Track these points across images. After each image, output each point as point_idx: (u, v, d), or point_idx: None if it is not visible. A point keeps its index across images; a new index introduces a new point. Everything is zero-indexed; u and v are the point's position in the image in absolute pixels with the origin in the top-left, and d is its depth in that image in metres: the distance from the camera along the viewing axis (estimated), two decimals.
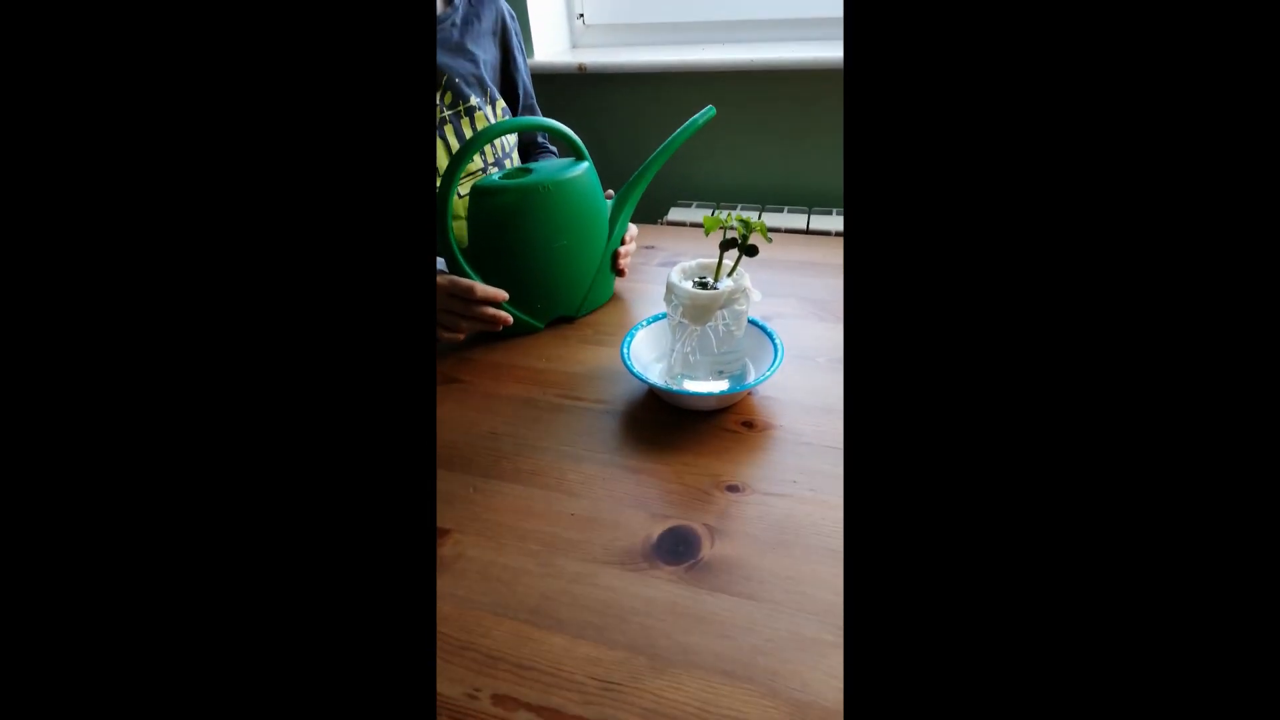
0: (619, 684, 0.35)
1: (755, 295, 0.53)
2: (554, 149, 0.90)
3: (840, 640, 0.36)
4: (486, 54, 0.80)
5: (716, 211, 1.14)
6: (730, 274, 0.54)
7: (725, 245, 0.53)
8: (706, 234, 0.53)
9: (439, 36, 0.75)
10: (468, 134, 0.76)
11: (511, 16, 0.84)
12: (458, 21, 0.77)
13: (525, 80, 0.86)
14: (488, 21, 0.80)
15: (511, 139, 0.82)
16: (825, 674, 0.35)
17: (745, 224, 0.52)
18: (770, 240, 0.53)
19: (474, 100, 0.76)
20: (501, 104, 0.81)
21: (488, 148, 0.77)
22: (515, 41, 0.84)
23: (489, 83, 0.79)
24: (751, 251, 0.52)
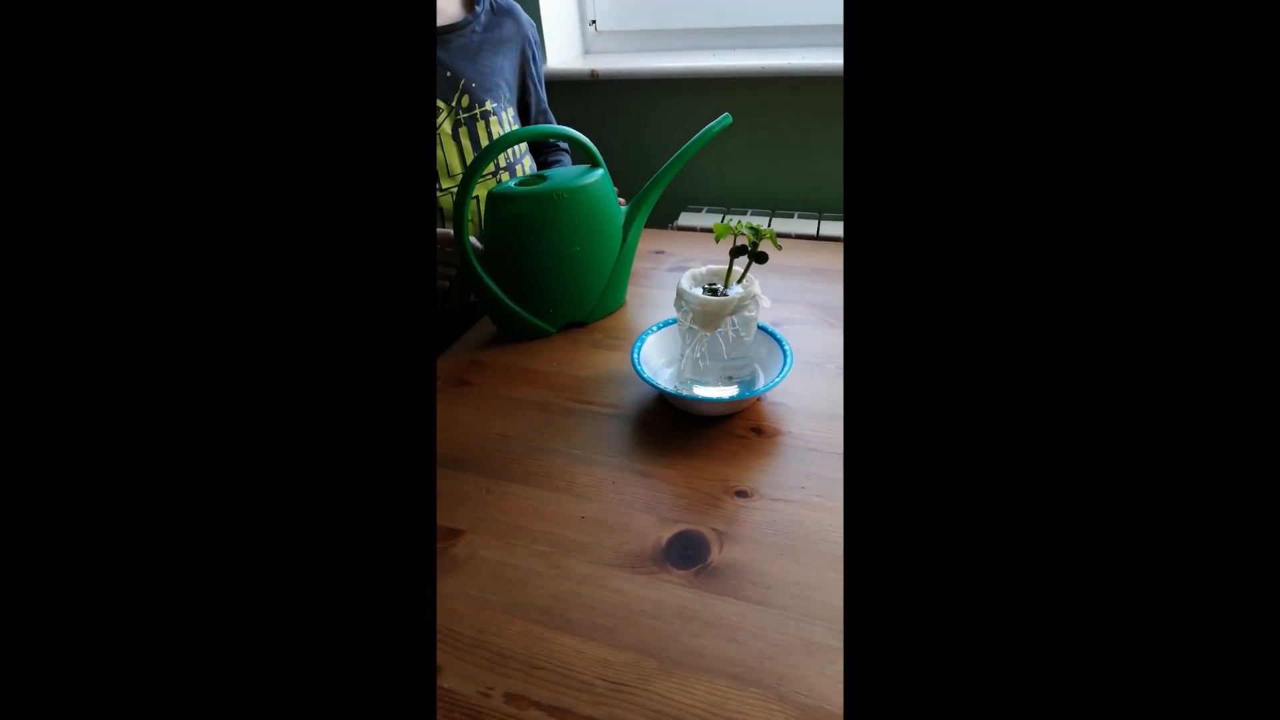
0: (628, 685, 0.36)
1: (765, 302, 0.54)
2: (565, 147, 0.92)
3: None
4: (505, 62, 0.82)
5: (727, 217, 1.14)
6: (740, 280, 0.54)
7: (735, 252, 0.54)
8: (717, 240, 0.53)
9: (460, 43, 0.77)
10: (482, 137, 0.78)
11: (531, 26, 0.87)
12: (479, 30, 0.79)
13: (539, 90, 0.89)
14: (508, 31, 0.83)
15: (523, 146, 0.84)
16: (831, 678, 0.35)
17: (755, 231, 0.52)
18: (780, 248, 0.54)
19: (489, 105, 0.78)
20: (512, 110, 0.83)
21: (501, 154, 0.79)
22: (532, 52, 0.87)
23: (505, 90, 0.81)
24: (761, 259, 0.53)
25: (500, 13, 0.83)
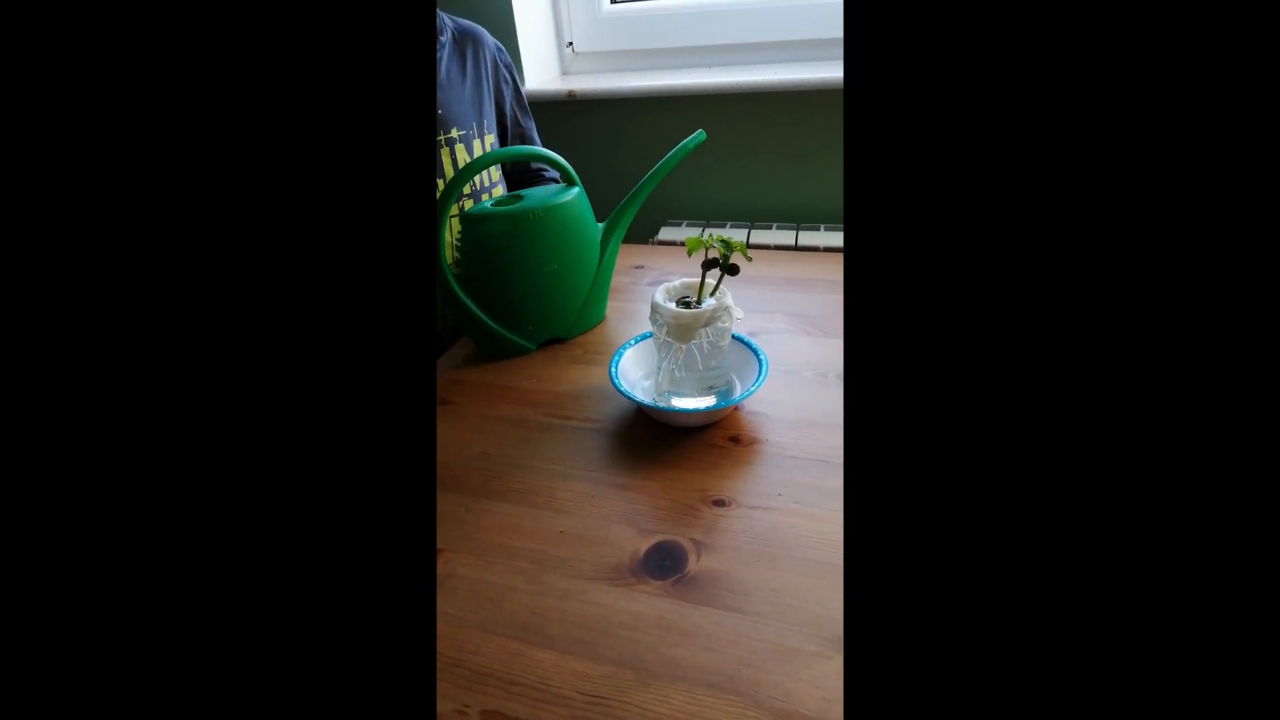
0: (606, 698, 0.36)
1: (738, 313, 0.54)
2: (555, 174, 0.92)
3: (823, 650, 0.37)
4: (471, 88, 0.81)
5: (707, 230, 1.15)
6: (713, 293, 0.55)
7: (707, 265, 0.55)
8: (689, 254, 0.54)
9: None
10: (446, 164, 0.78)
11: (499, 48, 0.86)
12: (443, 57, 0.80)
13: (515, 112, 0.88)
14: (473, 57, 0.82)
15: (496, 174, 0.83)
16: (807, 684, 0.35)
17: (726, 244, 0.53)
18: (750, 259, 0.55)
19: (455, 133, 0.78)
20: (491, 138, 0.83)
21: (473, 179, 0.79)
22: (505, 74, 0.86)
23: (471, 117, 0.80)
24: (733, 271, 0.54)
25: (463, 40, 0.82)
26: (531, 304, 0.67)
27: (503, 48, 0.87)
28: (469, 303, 0.66)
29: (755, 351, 0.58)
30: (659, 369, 0.56)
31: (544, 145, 0.90)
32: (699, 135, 0.69)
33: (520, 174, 0.92)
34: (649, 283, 0.83)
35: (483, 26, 0.86)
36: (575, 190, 0.68)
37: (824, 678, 0.36)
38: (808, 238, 1.08)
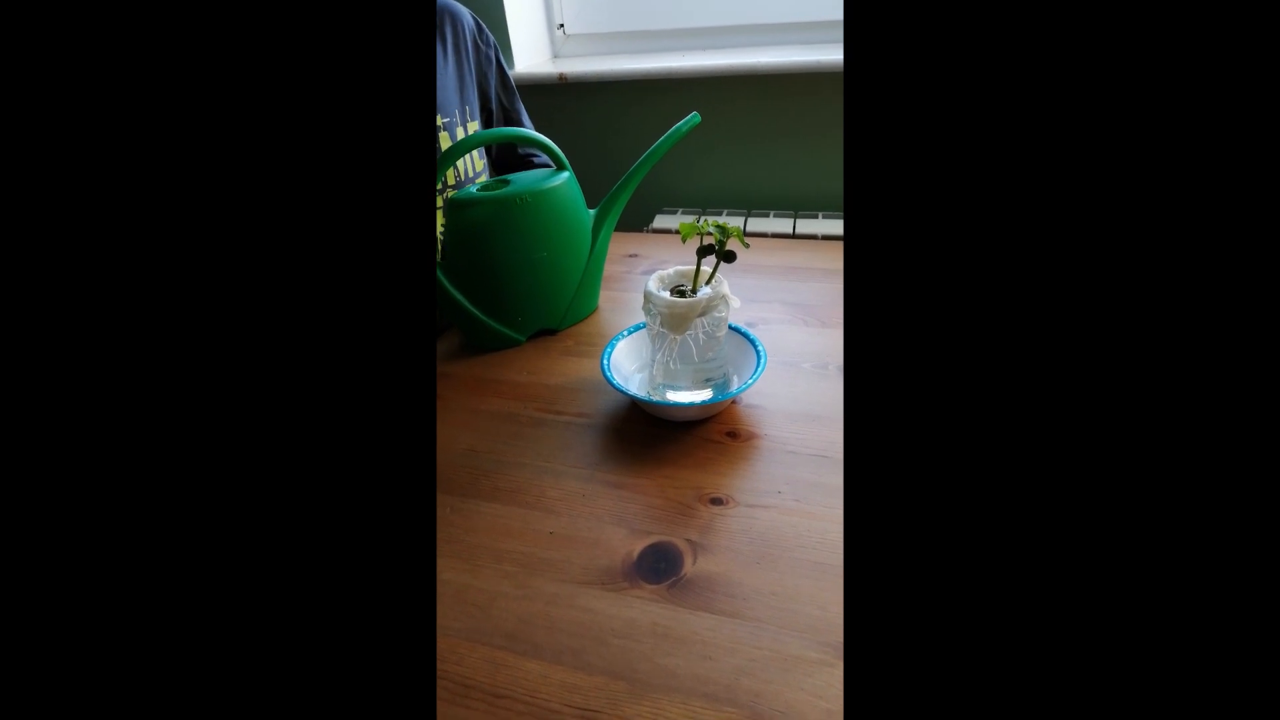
0: (597, 711, 0.34)
1: (735, 302, 0.52)
2: (545, 159, 0.89)
3: (824, 658, 0.35)
4: (453, 70, 0.78)
5: (702, 218, 1.13)
6: (709, 281, 0.53)
7: (702, 252, 0.52)
8: (684, 240, 0.52)
9: None
10: None
11: (481, 27, 0.82)
12: None
13: (500, 95, 0.84)
14: (453, 37, 0.78)
15: (480, 163, 0.80)
16: (809, 694, 0.34)
17: (722, 229, 0.51)
18: (747, 246, 0.52)
19: (438, 120, 0.74)
20: (475, 125, 0.79)
21: (452, 168, 0.75)
22: (486, 54, 0.82)
23: (454, 103, 0.77)
24: (729, 257, 0.51)
25: (440, 18, 0.77)
26: (520, 294, 0.65)
27: (483, 25, 0.83)
28: (455, 293, 0.64)
29: (753, 342, 0.56)
30: (653, 361, 0.54)
31: (535, 130, 0.87)
32: (693, 118, 0.66)
33: (508, 160, 0.88)
34: (643, 271, 0.81)
35: (470, 8, 0.83)
36: (565, 175, 0.66)
37: (826, 687, 0.34)
38: (806, 225, 1.06)
